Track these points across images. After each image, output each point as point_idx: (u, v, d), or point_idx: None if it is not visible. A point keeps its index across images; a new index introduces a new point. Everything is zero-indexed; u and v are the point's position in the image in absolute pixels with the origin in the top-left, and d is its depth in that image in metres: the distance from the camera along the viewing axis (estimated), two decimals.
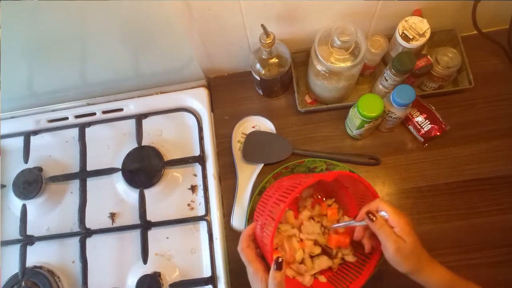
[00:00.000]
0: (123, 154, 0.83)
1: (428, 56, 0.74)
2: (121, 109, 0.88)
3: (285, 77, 0.79)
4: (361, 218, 0.59)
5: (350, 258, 0.67)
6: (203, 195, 0.81)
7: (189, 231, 0.80)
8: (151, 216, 0.79)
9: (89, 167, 0.84)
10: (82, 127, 0.86)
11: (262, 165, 0.81)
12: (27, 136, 0.86)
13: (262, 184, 0.76)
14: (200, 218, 0.78)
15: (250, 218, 0.74)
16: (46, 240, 0.81)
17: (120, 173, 0.82)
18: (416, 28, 0.70)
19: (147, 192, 0.80)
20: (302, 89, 0.86)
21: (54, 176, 0.84)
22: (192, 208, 0.81)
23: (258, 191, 0.75)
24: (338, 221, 0.70)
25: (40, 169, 0.85)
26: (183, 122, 0.87)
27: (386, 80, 0.74)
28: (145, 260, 0.76)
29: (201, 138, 0.84)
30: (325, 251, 0.68)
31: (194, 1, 0.66)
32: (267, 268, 0.56)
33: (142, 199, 0.79)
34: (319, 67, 0.71)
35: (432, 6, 0.72)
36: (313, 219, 0.70)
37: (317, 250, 0.68)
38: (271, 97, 0.87)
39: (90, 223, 0.80)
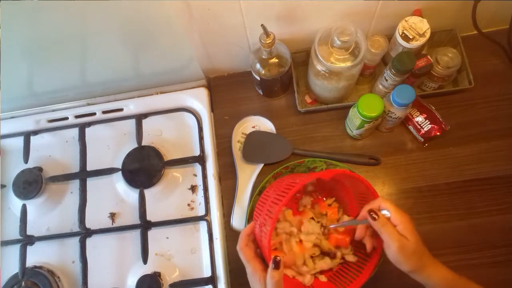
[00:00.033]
0: (123, 154, 0.83)
1: (428, 56, 0.74)
2: (121, 109, 0.88)
3: (285, 77, 0.79)
4: (363, 217, 0.59)
5: (350, 257, 0.67)
6: (203, 195, 0.81)
7: (189, 231, 0.80)
8: (151, 216, 0.79)
9: (89, 167, 0.84)
10: (82, 127, 0.86)
11: (262, 165, 0.81)
12: (27, 136, 0.86)
13: (262, 184, 0.76)
14: (200, 218, 0.78)
15: (250, 218, 0.74)
16: (46, 240, 0.81)
17: (120, 173, 0.82)
18: (416, 28, 0.70)
19: (147, 192, 0.80)
20: (302, 89, 0.86)
21: (54, 176, 0.84)
22: (192, 208, 0.81)
23: (258, 191, 0.75)
24: (338, 221, 0.70)
25: (40, 169, 0.85)
26: (183, 122, 0.87)
27: (386, 80, 0.74)
28: (145, 260, 0.76)
29: (201, 138, 0.84)
30: (325, 252, 0.68)
31: (194, 1, 0.66)
32: (266, 268, 0.56)
33: (142, 199, 0.79)
34: (319, 67, 0.71)
35: (432, 6, 0.72)
36: (314, 219, 0.70)
37: (317, 252, 0.68)
38: (271, 97, 0.87)
39: (90, 223, 0.80)
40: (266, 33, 0.67)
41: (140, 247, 0.77)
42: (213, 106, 0.88)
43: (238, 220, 0.78)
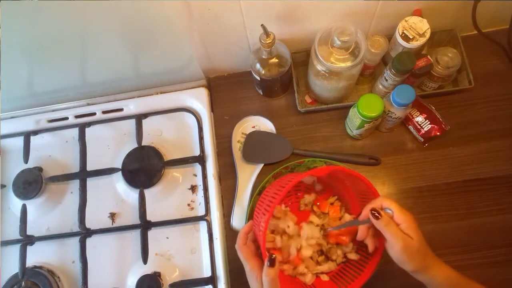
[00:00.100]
0: (123, 154, 0.83)
1: (428, 56, 0.74)
2: (121, 109, 0.88)
3: (285, 77, 0.79)
4: (364, 216, 0.58)
5: (353, 256, 0.66)
6: (203, 195, 0.81)
7: (189, 231, 0.80)
8: (151, 216, 0.79)
9: (89, 167, 0.84)
10: (82, 127, 0.86)
11: (262, 165, 0.81)
12: (27, 136, 0.86)
13: (262, 184, 0.76)
14: (200, 218, 0.78)
15: (250, 218, 0.74)
16: (46, 240, 0.81)
17: (120, 173, 0.82)
18: (416, 28, 0.70)
19: (147, 192, 0.80)
20: (302, 89, 0.86)
21: (54, 176, 0.84)
22: (192, 208, 0.81)
23: (258, 191, 0.75)
24: (340, 219, 0.70)
25: (40, 169, 0.85)
26: (183, 122, 0.87)
27: (386, 80, 0.74)
28: (145, 260, 0.76)
29: (201, 138, 0.84)
30: (327, 255, 0.68)
31: (194, 1, 0.66)
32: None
33: (142, 199, 0.79)
34: (319, 67, 0.71)
35: (432, 6, 0.72)
36: (312, 223, 0.70)
37: (319, 255, 0.68)
38: (271, 97, 0.87)
39: (90, 223, 0.80)
40: (266, 33, 0.67)
41: (140, 247, 0.77)
42: (213, 106, 0.88)
43: (238, 220, 0.78)
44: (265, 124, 0.84)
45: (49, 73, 0.80)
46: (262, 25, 0.66)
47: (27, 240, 0.80)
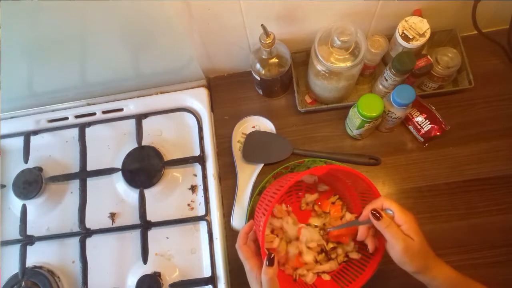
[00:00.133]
0: (123, 154, 0.83)
1: (428, 56, 0.74)
2: (121, 109, 0.88)
3: (285, 77, 0.79)
4: (365, 217, 0.57)
5: (354, 255, 0.66)
6: (203, 195, 0.81)
7: (189, 231, 0.80)
8: (151, 216, 0.79)
9: (89, 167, 0.84)
10: (82, 127, 0.86)
11: (262, 165, 0.81)
12: (27, 136, 0.86)
13: (262, 184, 0.76)
14: (200, 218, 0.78)
15: (250, 218, 0.74)
16: (46, 240, 0.81)
17: (120, 173, 0.82)
18: (416, 28, 0.70)
19: (147, 192, 0.80)
20: (302, 89, 0.86)
21: (54, 176, 0.84)
22: (192, 208, 0.81)
23: (258, 191, 0.75)
24: (341, 218, 0.70)
25: (40, 169, 0.85)
26: (183, 122, 0.87)
27: (386, 80, 0.74)
28: (145, 260, 0.76)
29: (201, 138, 0.84)
30: (327, 255, 0.68)
31: (194, 1, 0.66)
32: None
33: (142, 199, 0.79)
34: (319, 67, 0.71)
35: (432, 6, 0.72)
36: (310, 225, 0.70)
37: (319, 255, 0.68)
38: (271, 97, 0.87)
39: (90, 223, 0.80)
40: (266, 33, 0.67)
41: (140, 247, 0.77)
42: (213, 106, 0.88)
43: (238, 220, 0.78)
44: (265, 124, 0.84)
45: (49, 73, 0.80)
46: (262, 25, 0.66)
47: (27, 240, 0.80)
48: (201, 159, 0.82)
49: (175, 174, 0.83)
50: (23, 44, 0.70)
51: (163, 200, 0.82)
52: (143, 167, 0.82)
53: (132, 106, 0.88)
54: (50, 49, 0.72)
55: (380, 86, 0.77)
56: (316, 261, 0.68)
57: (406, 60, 0.68)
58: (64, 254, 0.81)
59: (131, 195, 0.82)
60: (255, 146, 0.81)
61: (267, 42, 0.68)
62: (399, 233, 0.53)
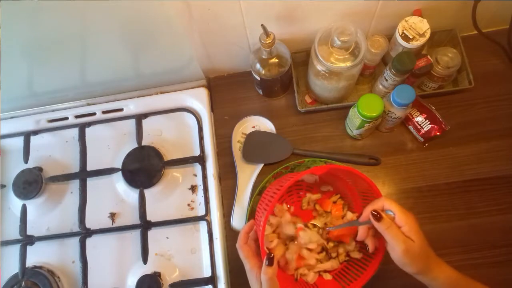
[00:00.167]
0: (123, 154, 0.83)
1: (428, 56, 0.74)
2: (121, 109, 0.88)
3: (285, 77, 0.79)
4: (365, 217, 0.57)
5: (356, 254, 0.66)
6: (203, 195, 0.81)
7: (189, 231, 0.80)
8: (151, 216, 0.79)
9: (89, 167, 0.84)
10: (82, 127, 0.86)
11: (262, 165, 0.81)
12: (27, 136, 0.86)
13: (262, 184, 0.76)
14: (200, 218, 0.78)
15: (250, 218, 0.74)
16: (46, 240, 0.81)
17: (120, 173, 0.82)
18: (416, 28, 0.70)
19: (147, 192, 0.80)
20: (302, 89, 0.86)
21: (54, 176, 0.84)
22: (192, 208, 0.81)
23: (258, 191, 0.76)
24: (342, 218, 0.70)
25: (40, 169, 0.85)
26: (183, 122, 0.87)
27: (386, 80, 0.74)
28: (145, 260, 0.76)
29: (201, 138, 0.84)
30: (329, 253, 0.68)
31: (194, 1, 0.66)
32: None
33: (142, 199, 0.79)
34: (319, 67, 0.71)
35: (432, 6, 0.72)
36: (308, 227, 0.70)
37: (319, 254, 0.68)
38: (271, 97, 0.87)
39: (90, 223, 0.80)
40: (266, 33, 0.67)
41: (140, 247, 0.77)
42: (213, 106, 0.88)
43: (238, 220, 0.78)
44: (265, 124, 0.84)
45: (49, 73, 0.80)
46: (262, 25, 0.66)
47: (27, 240, 0.80)
48: (201, 159, 0.82)
49: (175, 174, 0.83)
50: (23, 44, 0.70)
51: (163, 200, 0.82)
52: (143, 167, 0.82)
53: (132, 106, 0.88)
54: (50, 49, 0.72)
55: (380, 86, 0.77)
56: (317, 260, 0.68)
57: (406, 60, 0.68)
58: (64, 254, 0.81)
59: (131, 195, 0.82)
60: (255, 146, 0.81)
61: (267, 42, 0.68)
62: (400, 234, 0.53)
